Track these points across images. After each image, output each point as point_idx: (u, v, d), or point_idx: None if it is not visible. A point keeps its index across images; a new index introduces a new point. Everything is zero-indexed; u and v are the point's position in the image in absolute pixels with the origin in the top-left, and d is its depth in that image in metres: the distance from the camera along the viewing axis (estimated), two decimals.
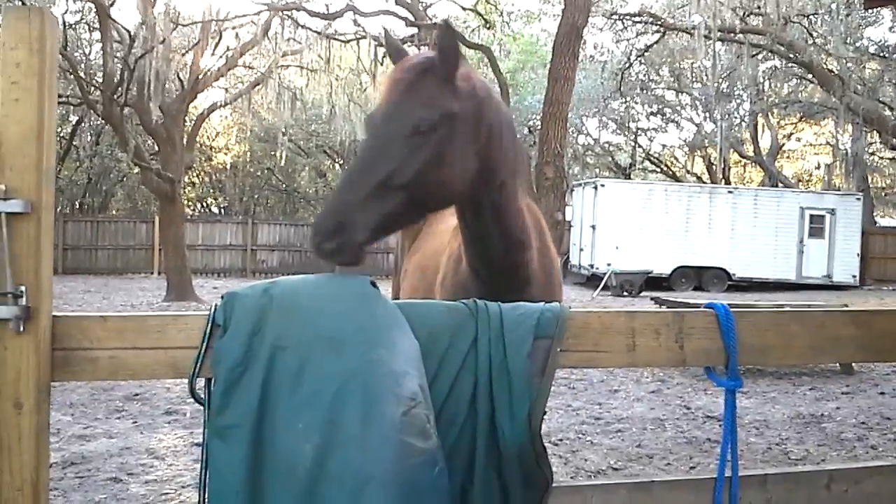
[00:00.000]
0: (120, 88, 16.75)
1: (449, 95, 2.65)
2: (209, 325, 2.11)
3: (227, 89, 26.21)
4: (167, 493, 5.08)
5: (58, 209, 31.26)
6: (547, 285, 3.24)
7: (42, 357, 1.98)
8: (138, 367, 2.11)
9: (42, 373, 1.99)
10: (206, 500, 2.04)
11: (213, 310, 2.13)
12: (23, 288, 1.93)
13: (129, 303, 18.29)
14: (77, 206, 33.74)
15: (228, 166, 37.37)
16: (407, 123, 2.51)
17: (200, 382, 2.12)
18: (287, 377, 2.04)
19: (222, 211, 38.68)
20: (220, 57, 19.86)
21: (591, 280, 25.66)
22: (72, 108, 24.45)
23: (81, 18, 22.84)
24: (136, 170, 21.42)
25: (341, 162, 34.48)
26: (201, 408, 2.16)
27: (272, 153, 33.77)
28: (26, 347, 1.95)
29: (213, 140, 36.87)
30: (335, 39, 18.23)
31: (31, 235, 1.96)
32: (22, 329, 1.94)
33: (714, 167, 37.94)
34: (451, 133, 2.61)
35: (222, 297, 2.16)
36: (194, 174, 35.12)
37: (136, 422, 6.97)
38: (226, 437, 2.02)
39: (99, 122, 28.52)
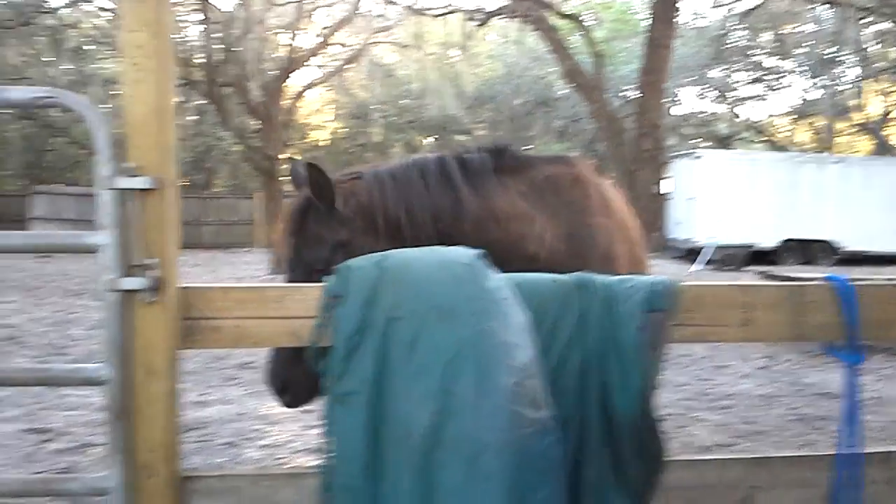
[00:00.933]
0: (220, 69, 17.30)
1: (334, 226, 2.87)
2: (326, 295, 2.17)
3: (321, 67, 26.65)
4: (281, 458, 5.30)
5: None
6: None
7: (170, 326, 2.08)
8: (260, 336, 2.19)
9: (171, 341, 2.09)
10: (329, 463, 2.11)
11: (329, 281, 2.19)
12: (152, 260, 2.03)
13: (235, 276, 18.96)
14: (183, 184, 35.11)
15: (323, 143, 38.08)
16: (305, 266, 2.81)
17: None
18: (402, 346, 2.08)
19: None
20: (316, 35, 20.19)
21: (690, 254, 25.01)
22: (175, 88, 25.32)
23: (182, 0, 23.60)
24: (239, 147, 22.09)
25: (435, 136, 34.66)
26: None
27: (364, 130, 34.22)
28: (156, 317, 2.05)
29: (309, 118, 37.63)
30: (424, 14, 18.24)
31: (158, 210, 2.05)
32: (152, 299, 2.04)
33: (820, 136, 36.22)
34: (350, 255, 2.56)
35: (337, 270, 2.22)
36: (291, 151, 35.96)
37: (248, 389, 7.26)
38: (346, 403, 2.08)
39: (201, 102, 29.53)
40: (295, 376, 2.72)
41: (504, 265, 2.42)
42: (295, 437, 5.83)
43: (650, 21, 10.17)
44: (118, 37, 2.00)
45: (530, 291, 2.26)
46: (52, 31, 21.22)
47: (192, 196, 31.03)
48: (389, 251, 2.25)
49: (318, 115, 38.47)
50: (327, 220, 2.86)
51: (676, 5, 10.19)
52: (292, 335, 2.20)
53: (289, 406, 2.87)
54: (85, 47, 25.31)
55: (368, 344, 2.09)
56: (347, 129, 36.88)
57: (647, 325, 2.21)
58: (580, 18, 12.19)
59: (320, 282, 2.38)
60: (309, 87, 22.90)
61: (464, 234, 2.91)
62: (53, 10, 22.02)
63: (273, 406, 6.78)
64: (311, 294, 2.19)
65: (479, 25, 15.37)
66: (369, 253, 2.66)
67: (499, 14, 14.46)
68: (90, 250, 1.96)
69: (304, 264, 2.83)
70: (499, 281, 2.20)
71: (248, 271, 20.31)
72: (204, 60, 18.26)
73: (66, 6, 22.46)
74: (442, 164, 3.06)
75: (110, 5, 22.75)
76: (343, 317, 2.11)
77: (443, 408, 2.03)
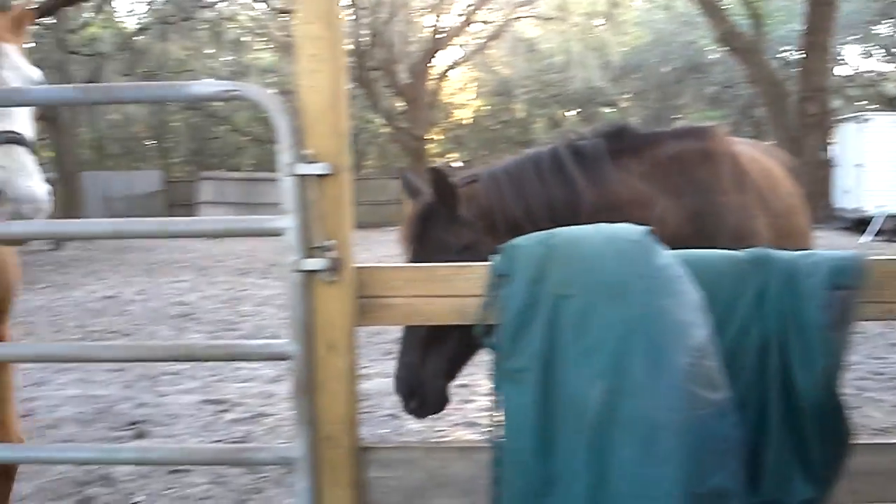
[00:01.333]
0: (368, 53, 17.77)
1: (457, 230, 2.86)
2: (493, 274, 2.20)
3: (463, 46, 26.80)
4: (441, 430, 5.46)
5: None
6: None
7: (348, 304, 2.18)
8: (430, 314, 2.25)
9: (349, 318, 2.19)
10: (500, 438, 2.15)
11: (495, 260, 2.22)
12: (331, 242, 2.13)
13: (387, 254, 19.53)
14: None
15: (466, 122, 38.37)
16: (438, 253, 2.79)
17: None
18: (571, 324, 2.08)
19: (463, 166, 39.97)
20: (459, 15, 20.33)
21: (858, 225, 23.33)
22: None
23: None
24: (387, 129, 22.65)
25: (578, 110, 34.11)
26: None
27: (507, 106, 34.14)
28: (336, 295, 2.16)
29: (452, 97, 37.99)
30: None
31: (335, 194, 2.15)
32: (332, 279, 2.14)
33: None
34: (478, 256, 2.61)
35: (503, 249, 2.24)
36: (437, 131, 36.50)
37: None
38: (516, 380, 2.11)
39: (350, 86, 30.44)
40: (423, 383, 2.80)
41: None
42: (453, 410, 5.97)
43: None
44: (294, 29, 2.09)
45: (702, 268, 2.19)
46: (211, 24, 22.50)
47: None
48: (556, 229, 2.25)
49: (461, 94, 38.79)
50: (450, 225, 2.88)
51: None
52: (459, 313, 2.25)
53: (416, 414, 2.92)
54: (242, 39, 26.69)
55: (537, 321, 2.10)
56: (490, 107, 36.95)
57: (832, 303, 2.09)
58: None
59: None
60: (452, 66, 23.12)
61: (580, 224, 2.89)
62: (212, 4, 23.33)
63: None
64: (478, 273, 2.23)
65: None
66: (492, 254, 2.75)
67: None
68: (275, 234, 2.08)
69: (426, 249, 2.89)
70: (669, 258, 2.15)
71: (397, 249, 20.79)
72: (353, 46, 18.80)
73: (224, 0, 23.76)
74: (555, 156, 3.02)
75: None
76: (510, 295, 2.14)
77: (615, 386, 2.02)
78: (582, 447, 2.04)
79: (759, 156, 3.44)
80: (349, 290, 2.18)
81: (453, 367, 2.88)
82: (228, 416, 6.09)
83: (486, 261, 2.64)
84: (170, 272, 16.12)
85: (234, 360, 5.80)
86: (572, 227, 2.26)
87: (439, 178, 2.84)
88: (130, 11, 27.36)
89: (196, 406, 6.34)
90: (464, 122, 38.57)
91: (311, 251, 2.12)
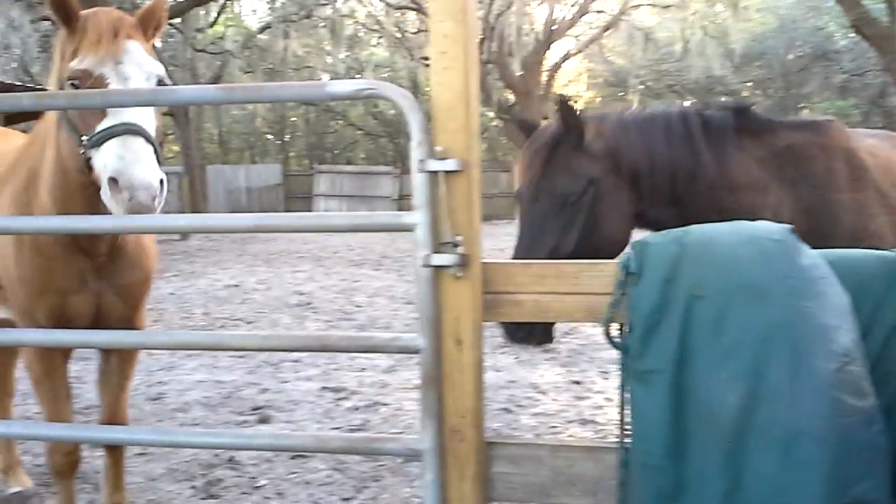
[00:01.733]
0: (483, 46, 17.78)
1: (585, 161, 2.83)
2: (623, 272, 2.16)
3: (577, 37, 26.43)
4: (555, 427, 5.43)
5: None
6: None
7: (476, 299, 2.19)
8: (558, 311, 2.23)
9: (476, 313, 2.20)
10: (629, 440, 2.11)
11: (625, 258, 2.18)
12: (460, 238, 2.14)
13: (498, 247, 19.54)
14: None
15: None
16: (555, 199, 2.74)
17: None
18: (706, 326, 2.01)
19: None
20: (573, 5, 20.06)
21: None
22: None
23: None
24: (496, 122, 22.62)
25: (695, 100, 33.02)
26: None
27: (622, 97, 33.44)
28: (464, 291, 2.17)
29: (565, 88, 37.54)
30: None
31: (464, 191, 2.15)
32: (460, 274, 2.15)
33: None
34: (599, 193, 2.77)
35: (633, 246, 2.20)
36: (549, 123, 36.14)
37: (517, 357, 7.50)
38: (647, 382, 2.06)
39: None
40: None
41: None
42: (567, 406, 5.92)
43: None
44: (430, 28, 2.11)
45: (848, 269, 2.08)
46: (329, 21, 23.09)
47: None
48: (690, 227, 2.18)
49: (573, 86, 38.29)
50: (576, 154, 2.86)
51: None
52: (588, 311, 2.22)
53: (523, 342, 2.80)
54: (358, 35, 27.26)
55: (670, 322, 2.05)
56: (602, 98, 36.30)
57: None
58: None
59: (563, 217, 2.63)
60: (566, 58, 22.84)
61: (696, 197, 2.90)
62: (332, 2, 23.92)
63: (543, 374, 6.94)
64: (607, 270, 2.19)
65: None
66: (616, 197, 2.81)
67: None
68: (405, 229, 2.11)
69: (552, 194, 2.80)
70: (814, 258, 2.05)
71: (509, 242, 20.78)
72: None
73: None
74: (685, 122, 2.96)
75: None
76: (642, 294, 2.09)
77: (753, 391, 1.95)
78: (716, 453, 1.98)
79: (883, 150, 3.23)
80: (477, 285, 2.19)
81: None
82: (346, 403, 6.26)
83: (606, 199, 2.75)
84: (289, 262, 16.68)
85: (365, 353, 5.90)
86: (706, 225, 2.19)
87: (568, 106, 2.84)
88: (253, 11, 28.42)
89: (316, 393, 6.53)
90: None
91: (440, 247, 2.13)
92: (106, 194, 2.45)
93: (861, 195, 2.92)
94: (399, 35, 23.67)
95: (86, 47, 2.60)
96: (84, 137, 2.53)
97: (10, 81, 18.21)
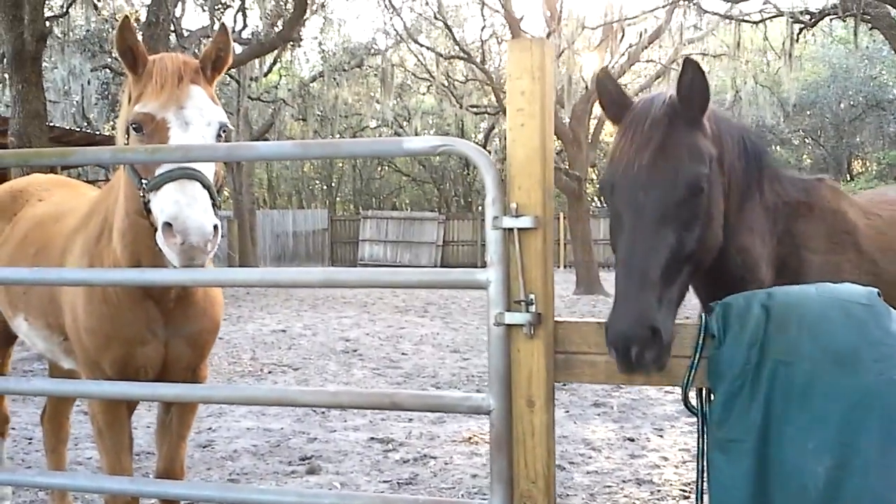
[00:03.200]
0: None
1: (704, 140, 2.36)
2: (701, 334, 2.09)
3: (626, 86, 26.45)
4: (610, 486, 5.27)
5: (477, 209, 34.51)
6: None
7: (549, 359, 2.13)
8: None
9: (549, 374, 2.14)
10: None
11: (703, 319, 2.11)
12: (532, 296, 2.10)
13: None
14: None
15: None
16: (679, 185, 2.21)
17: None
18: (792, 393, 1.93)
19: None
20: (622, 54, 20.14)
21: None
22: (486, 115, 26.65)
23: (493, 34, 24.89)
24: None
25: None
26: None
27: None
28: (536, 350, 2.12)
29: (612, 136, 37.45)
30: (744, 21, 17.37)
31: (538, 248, 2.12)
32: (532, 333, 2.10)
33: None
34: (712, 182, 2.33)
35: (713, 307, 2.13)
36: (595, 171, 36.15)
37: (567, 411, 7.36)
38: (728, 451, 1.98)
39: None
40: (661, 325, 2.04)
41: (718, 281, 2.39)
42: (621, 464, 5.76)
43: None
44: (507, 86, 2.10)
45: None
46: (381, 70, 23.53)
47: None
48: (773, 289, 2.11)
49: None
50: (697, 134, 2.34)
51: None
52: (665, 374, 2.14)
53: (651, 365, 2.02)
54: (406, 83, 27.71)
55: (754, 389, 1.97)
56: None
57: None
58: None
59: (686, 210, 2.20)
60: None
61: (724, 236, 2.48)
62: (382, 51, 24.40)
63: (595, 430, 6.77)
64: (685, 332, 2.12)
65: (806, 28, 14.24)
66: (719, 191, 2.37)
67: (829, 14, 13.27)
68: (478, 286, 2.07)
69: (677, 181, 2.20)
70: None
71: (557, 290, 20.63)
72: None
73: (391, 47, 24.79)
74: (754, 144, 2.69)
75: (427, 43, 24.68)
76: (725, 358, 2.02)
77: (841, 462, 1.86)
78: None
79: (888, 209, 3.06)
80: (549, 344, 2.13)
81: (675, 313, 2.21)
82: (395, 455, 6.17)
83: (715, 190, 2.35)
84: (334, 308, 16.76)
85: (435, 412, 5.82)
86: (790, 287, 2.11)
87: (695, 68, 2.31)
88: (307, 60, 29.13)
89: (364, 444, 6.46)
90: None
91: (512, 305, 2.09)
92: (160, 238, 2.45)
93: (837, 258, 2.69)
94: (447, 83, 23.96)
95: (149, 92, 2.64)
96: (144, 181, 2.55)
97: (69, 127, 18.87)
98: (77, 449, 5.63)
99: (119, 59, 2.78)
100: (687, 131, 2.31)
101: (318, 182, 40.44)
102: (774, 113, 23.80)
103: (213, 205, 2.54)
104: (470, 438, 6.54)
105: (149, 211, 2.58)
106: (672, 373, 2.13)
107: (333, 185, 39.49)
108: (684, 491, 5.41)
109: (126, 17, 2.78)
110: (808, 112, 30.71)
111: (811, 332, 1.95)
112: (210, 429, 6.86)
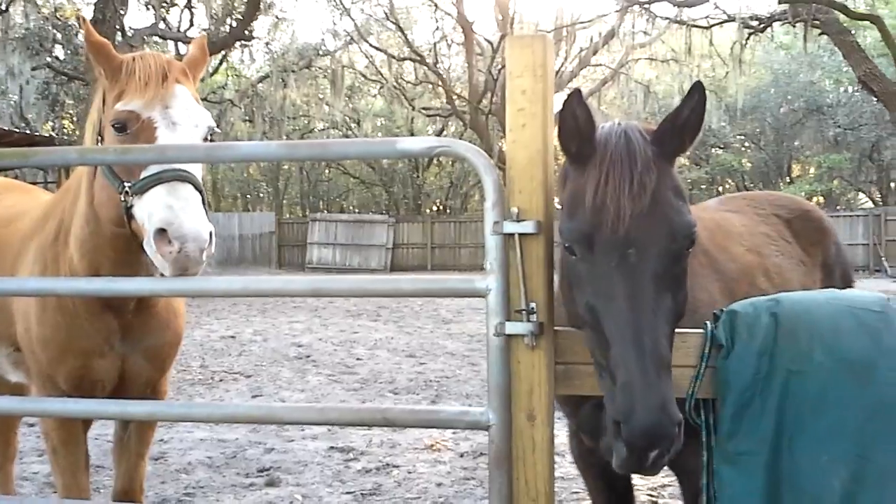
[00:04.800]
0: (485, 98, 17.93)
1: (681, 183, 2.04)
2: (708, 343, 2.02)
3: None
4: (577, 493, 5.18)
5: (427, 211, 34.48)
6: None
7: (550, 371, 2.04)
8: None
9: (549, 386, 2.04)
10: None
11: (710, 328, 2.03)
12: (533, 304, 1.99)
13: None
14: (441, 209, 36.84)
15: None
16: (678, 239, 1.90)
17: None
18: (805, 404, 1.87)
19: None
20: (572, 59, 20.30)
21: None
22: (438, 118, 26.62)
23: (444, 36, 24.88)
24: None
25: (693, 151, 33.29)
26: None
27: None
28: (538, 362, 2.02)
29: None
30: (694, 26, 17.64)
31: (539, 254, 2.02)
32: (534, 344, 2.00)
33: None
34: None
35: (718, 315, 2.05)
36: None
37: (559, 418, 7.27)
38: (739, 464, 1.91)
39: (459, 129, 30.84)
40: (678, 420, 1.76)
41: None
42: None
43: None
44: (507, 85, 2.00)
45: None
46: (330, 72, 23.28)
47: (450, 220, 32.35)
48: (779, 296, 2.04)
49: None
50: (673, 170, 2.02)
51: None
52: None
53: (660, 465, 1.77)
54: (358, 85, 27.50)
55: (765, 399, 1.90)
56: None
57: None
58: (880, 19, 10.91)
59: (678, 269, 1.89)
60: None
61: None
62: (331, 52, 24.14)
63: (558, 434, 6.71)
64: (691, 341, 2.05)
65: (755, 33, 14.52)
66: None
67: (779, 20, 13.53)
68: (479, 295, 1.96)
69: (674, 237, 1.89)
70: None
71: None
72: (468, 91, 19.01)
73: (340, 48, 24.56)
74: None
75: (377, 44, 24.53)
76: (734, 368, 1.94)
77: (859, 475, 1.80)
78: None
79: (710, 210, 3.09)
80: (551, 356, 2.03)
81: None
82: (356, 465, 6.01)
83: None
84: (284, 312, 16.45)
85: (430, 427, 5.62)
86: (799, 294, 2.06)
87: (702, 96, 1.97)
88: (253, 60, 28.65)
89: (324, 454, 6.29)
90: None
91: (513, 314, 1.99)
92: (151, 246, 2.27)
93: (691, 260, 2.54)
94: (398, 85, 23.85)
95: (133, 90, 2.46)
96: (127, 184, 2.37)
97: (7, 128, 18.15)
98: (23, 463, 5.34)
99: (92, 57, 2.59)
100: (669, 172, 1.99)
101: (263, 184, 39.83)
102: (720, 117, 24.26)
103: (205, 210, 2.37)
104: (432, 446, 6.42)
105: (130, 217, 2.39)
106: (675, 383, 2.04)
107: (280, 187, 38.96)
108: (651, 496, 5.38)
109: (81, 17, 2.61)
110: (750, 116, 31.43)
111: (823, 340, 1.89)
112: (162, 440, 6.59)
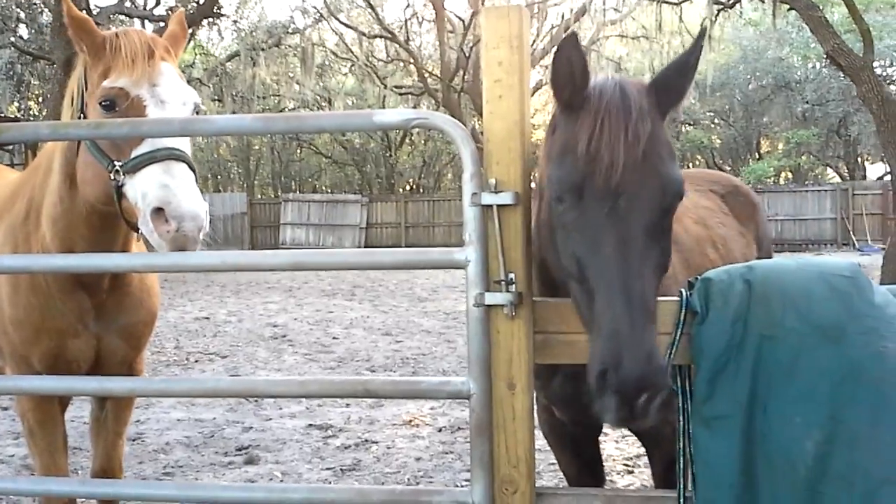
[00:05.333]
0: (457, 76, 17.86)
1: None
2: (683, 310, 2.05)
3: (546, 67, 26.65)
4: (554, 464, 5.26)
5: (400, 190, 34.40)
6: None
7: (528, 340, 2.06)
8: None
9: (529, 355, 2.07)
10: (696, 489, 1.99)
11: (684, 295, 2.07)
12: (512, 275, 2.02)
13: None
14: (414, 188, 36.76)
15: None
16: (668, 191, 1.89)
17: None
18: (778, 368, 1.91)
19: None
20: (544, 36, 20.27)
21: None
22: (410, 96, 26.44)
23: (414, 13, 24.68)
24: None
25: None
26: None
27: None
28: (517, 331, 2.04)
29: (534, 117, 37.85)
30: (665, 3, 17.71)
31: (517, 225, 2.04)
32: (513, 314, 2.02)
33: None
34: None
35: (694, 283, 2.09)
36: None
37: None
38: (714, 428, 1.95)
39: (432, 107, 30.71)
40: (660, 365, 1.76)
41: None
42: (606, 453, 5.72)
43: None
44: (483, 56, 2.00)
45: None
46: (300, 50, 23.03)
47: (423, 199, 32.31)
48: (753, 263, 2.09)
49: (541, 115, 38.62)
50: (664, 126, 2.02)
51: None
52: None
53: (643, 414, 1.73)
54: (327, 63, 27.22)
55: (739, 364, 1.94)
56: None
57: None
58: None
59: (665, 222, 1.90)
60: (537, 87, 23.02)
61: None
62: (301, 30, 23.87)
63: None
64: (667, 308, 2.08)
65: (725, 9, 14.61)
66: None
67: None
68: (458, 266, 1.98)
69: (665, 189, 1.89)
70: (885, 294, 1.97)
71: None
72: (440, 69, 18.92)
73: (310, 26, 24.29)
74: None
75: (348, 21, 24.29)
76: (709, 335, 1.98)
77: (830, 437, 1.85)
78: (791, 503, 1.87)
79: None
80: (530, 325, 2.06)
81: None
82: (335, 442, 6.05)
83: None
84: (259, 293, 16.39)
85: (412, 398, 5.62)
86: (771, 262, 2.10)
87: (699, 47, 2.02)
88: (221, 38, 28.23)
89: (302, 431, 6.31)
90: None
91: (492, 285, 2.01)
92: (147, 225, 2.26)
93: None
94: (369, 63, 23.67)
95: (120, 67, 2.43)
96: (118, 162, 2.34)
97: None
98: None
99: (73, 33, 2.54)
100: (661, 126, 1.98)
101: (234, 165, 39.43)
102: (690, 94, 24.38)
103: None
104: (410, 421, 6.47)
105: (120, 195, 2.37)
106: (660, 352, 2.09)
107: (251, 167, 38.60)
108: (627, 465, 5.47)
109: None
110: (719, 93, 31.65)
111: (795, 305, 1.93)
112: (138, 421, 6.57)
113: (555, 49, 1.95)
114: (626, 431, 5.92)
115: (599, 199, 1.85)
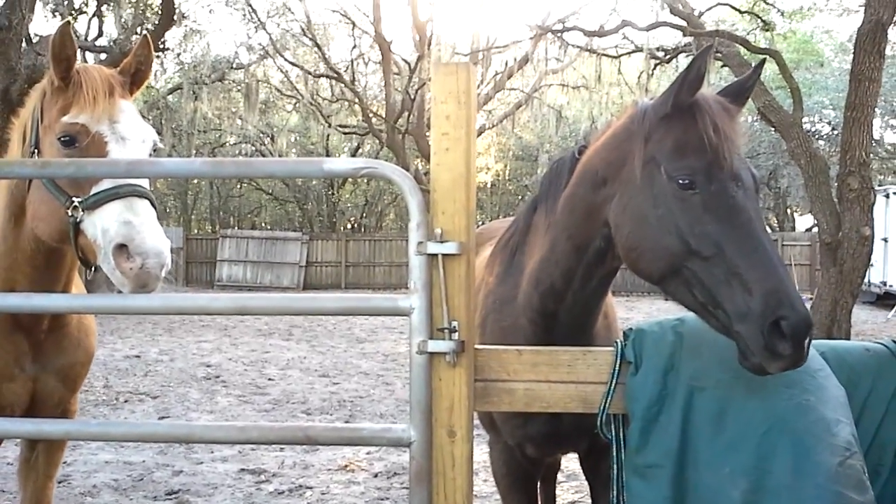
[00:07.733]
0: (401, 117, 18.02)
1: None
2: (618, 360, 2.12)
3: (490, 111, 27.14)
4: None
5: (341, 229, 34.25)
6: (606, 324, 2.81)
7: (469, 387, 2.10)
8: (552, 400, 2.16)
9: (470, 402, 2.10)
10: None
11: (620, 346, 2.14)
12: (455, 323, 2.06)
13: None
14: (356, 226, 36.66)
15: (488, 185, 38.66)
16: (756, 177, 2.22)
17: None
18: (707, 418, 1.99)
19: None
20: (488, 83, 20.66)
21: (883, 299, 23.07)
22: (353, 136, 26.53)
23: (361, 54, 24.90)
24: None
25: None
26: None
27: (528, 172, 34.39)
28: (458, 379, 2.08)
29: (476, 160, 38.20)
30: (604, 55, 18.29)
31: (461, 274, 2.08)
32: (455, 362, 2.06)
33: None
34: None
35: (628, 334, 2.16)
36: None
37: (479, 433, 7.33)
38: (646, 476, 2.01)
39: (375, 147, 30.85)
40: None
41: None
42: None
43: (855, 54, 9.46)
44: (432, 110, 2.06)
45: (838, 361, 2.11)
46: (244, 85, 22.95)
47: (365, 238, 32.23)
48: (684, 315, 2.17)
49: (483, 158, 39.13)
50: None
51: (885, 37, 9.40)
52: (582, 400, 2.17)
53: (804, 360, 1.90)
54: (271, 99, 27.17)
55: (670, 415, 2.01)
56: (510, 171, 37.21)
57: None
58: (778, 53, 11.54)
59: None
60: (480, 131, 23.37)
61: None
62: (245, 66, 23.80)
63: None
64: (602, 358, 2.15)
65: (661, 63, 15.16)
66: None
67: (683, 52, 14.18)
68: (403, 313, 2.01)
69: (753, 175, 2.20)
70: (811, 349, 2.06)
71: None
72: (385, 110, 19.06)
73: (255, 62, 24.25)
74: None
75: (294, 59, 24.33)
76: (641, 385, 2.05)
77: (756, 486, 1.92)
78: None
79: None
80: (471, 373, 2.10)
81: None
82: (268, 487, 5.94)
83: None
84: (192, 331, 16.02)
85: (352, 445, 5.52)
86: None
87: (754, 73, 2.39)
88: (163, 72, 27.96)
89: (234, 476, 6.18)
90: (485, 185, 38.84)
91: (435, 332, 2.04)
92: (109, 263, 2.24)
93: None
94: (314, 101, 23.70)
95: (81, 103, 2.42)
96: (76, 199, 2.31)
97: None
98: None
99: (56, 67, 2.50)
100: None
101: (171, 198, 38.78)
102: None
103: None
104: (346, 466, 6.39)
105: (77, 232, 2.34)
106: (588, 399, 2.15)
107: (189, 202, 38.00)
108: None
109: (67, 22, 2.55)
110: None
111: (721, 357, 2.01)
112: (65, 462, 6.33)
113: (692, 60, 2.24)
114: (569, 472, 5.99)
115: (730, 181, 2.10)
